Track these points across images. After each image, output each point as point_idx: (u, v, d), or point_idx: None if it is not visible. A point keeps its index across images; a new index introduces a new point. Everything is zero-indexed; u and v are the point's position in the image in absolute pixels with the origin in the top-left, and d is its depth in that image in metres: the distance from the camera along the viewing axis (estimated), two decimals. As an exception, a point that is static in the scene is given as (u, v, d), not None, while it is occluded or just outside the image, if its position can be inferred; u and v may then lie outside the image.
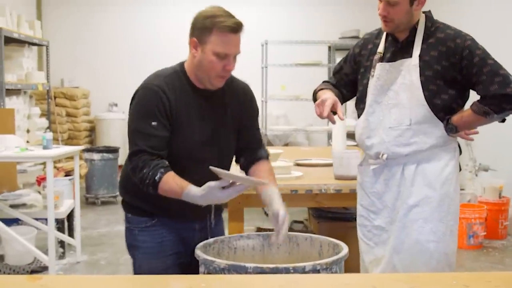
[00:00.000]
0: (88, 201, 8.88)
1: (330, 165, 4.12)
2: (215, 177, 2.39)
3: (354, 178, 3.36)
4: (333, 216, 4.59)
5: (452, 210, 2.96)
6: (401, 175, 2.99)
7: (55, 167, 7.23)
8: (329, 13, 11.09)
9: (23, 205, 5.73)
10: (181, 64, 2.70)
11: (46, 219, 5.38)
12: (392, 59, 2.99)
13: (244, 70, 10.54)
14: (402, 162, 2.98)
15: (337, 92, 3.17)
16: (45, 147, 5.46)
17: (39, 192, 5.99)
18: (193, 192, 2.41)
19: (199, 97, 2.65)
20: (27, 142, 7.79)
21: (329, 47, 9.93)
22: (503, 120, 2.92)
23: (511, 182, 7.27)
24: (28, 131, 8.40)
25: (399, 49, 2.99)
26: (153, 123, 2.53)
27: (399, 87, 2.95)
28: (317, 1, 11.18)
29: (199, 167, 2.53)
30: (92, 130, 10.89)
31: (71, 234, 6.20)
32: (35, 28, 8.75)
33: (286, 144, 10.25)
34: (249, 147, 2.83)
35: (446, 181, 2.94)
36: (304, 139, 10.73)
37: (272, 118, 10.24)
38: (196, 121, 2.63)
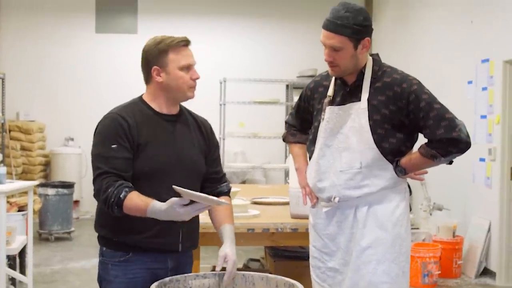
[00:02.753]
0: (42, 237, 8.72)
1: (287, 203, 4.13)
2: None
3: (310, 218, 3.37)
4: (289, 255, 4.58)
5: (404, 250, 2.99)
6: (353, 217, 3.00)
7: (8, 201, 7.08)
8: (288, 52, 11.24)
9: (-26, 241, 5.58)
10: (139, 97, 2.82)
11: (-3, 256, 5.25)
12: (342, 102, 3.02)
13: (202, 107, 10.55)
14: (354, 204, 2.99)
15: (305, 152, 3.26)
16: (-3, 182, 5.35)
17: (-9, 228, 5.86)
18: (157, 206, 2.46)
19: (163, 121, 2.75)
20: (-20, 176, 7.62)
21: (287, 86, 10.04)
22: (451, 162, 2.97)
23: (465, 221, 7.40)
24: (-19, 164, 8.24)
25: (347, 92, 3.02)
26: (113, 146, 2.61)
27: (348, 130, 2.97)
28: (276, 40, 11.33)
29: (167, 189, 2.57)
30: (47, 165, 10.75)
31: (22, 271, 6.06)
32: (-9, 60, 8.67)
33: (244, 182, 10.26)
34: (211, 177, 2.92)
35: (398, 222, 2.97)
36: (261, 177, 10.77)
37: (230, 155, 10.26)
38: (162, 142, 2.71)
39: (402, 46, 9.65)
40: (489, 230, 6.96)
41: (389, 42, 10.19)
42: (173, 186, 2.39)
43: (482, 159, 7.10)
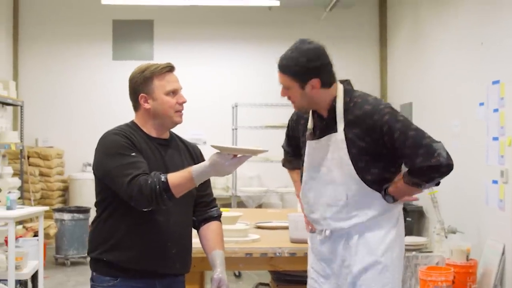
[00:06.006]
0: (58, 262, 8.79)
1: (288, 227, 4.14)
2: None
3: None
4: (291, 279, 4.57)
5: (396, 276, 2.98)
6: (345, 245, 3.00)
7: (24, 226, 7.18)
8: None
9: (-13, 265, 5.66)
10: (131, 121, 2.89)
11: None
12: (320, 135, 3.00)
13: (215, 132, 10.56)
14: (345, 233, 2.99)
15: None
16: (8, 208, 5.45)
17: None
18: (201, 165, 2.52)
19: (156, 144, 2.80)
20: (-1, 201, 7.74)
21: (301, 110, 10.04)
22: (438, 184, 2.90)
23: (479, 244, 7.31)
24: (-1, 190, 8.37)
25: (324, 125, 2.99)
26: (133, 154, 2.64)
27: (330, 163, 2.96)
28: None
29: (159, 209, 2.63)
30: (65, 190, 10.84)
31: (35, 296, 6.13)
32: (9, 88, 8.83)
33: (260, 205, 10.26)
34: (201, 201, 2.95)
35: (389, 249, 2.95)
36: (277, 200, 10.75)
37: (245, 179, 10.26)
38: (159, 160, 2.75)
39: (415, 67, 9.63)
40: (503, 253, 6.87)
41: (403, 62, 10.17)
42: (211, 144, 2.46)
43: (495, 181, 7.03)
